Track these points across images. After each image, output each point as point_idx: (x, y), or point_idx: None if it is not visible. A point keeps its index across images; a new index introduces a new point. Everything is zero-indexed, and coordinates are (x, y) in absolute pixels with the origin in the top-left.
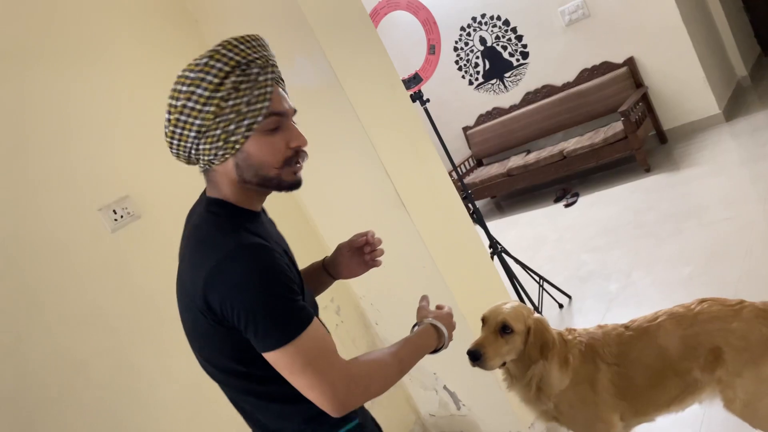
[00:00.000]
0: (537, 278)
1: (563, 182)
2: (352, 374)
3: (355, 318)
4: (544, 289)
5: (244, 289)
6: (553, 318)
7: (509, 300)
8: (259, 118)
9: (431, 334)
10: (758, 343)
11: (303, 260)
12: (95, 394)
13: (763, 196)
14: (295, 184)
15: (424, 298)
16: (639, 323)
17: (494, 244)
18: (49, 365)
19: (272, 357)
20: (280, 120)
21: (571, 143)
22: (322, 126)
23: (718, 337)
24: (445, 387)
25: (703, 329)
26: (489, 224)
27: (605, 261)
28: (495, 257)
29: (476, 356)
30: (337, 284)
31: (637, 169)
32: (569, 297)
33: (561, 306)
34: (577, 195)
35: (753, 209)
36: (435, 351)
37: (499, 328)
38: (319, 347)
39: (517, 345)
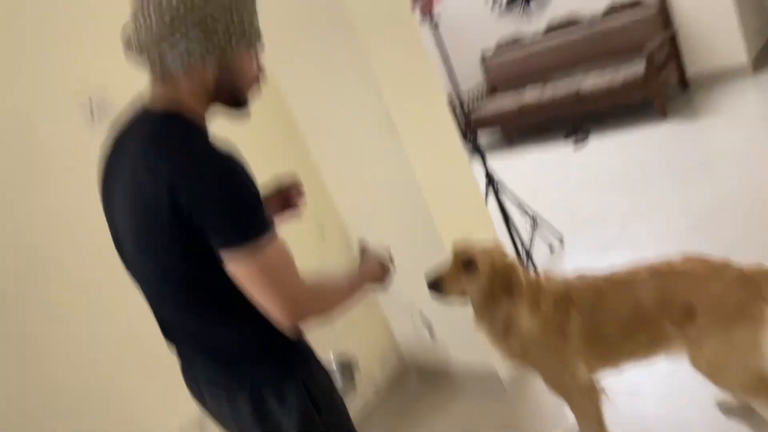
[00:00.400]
0: (531, 216)
1: (576, 121)
2: (311, 290)
3: (337, 239)
4: (536, 228)
5: (215, 184)
6: (542, 259)
7: (492, 238)
8: (260, 37)
9: (377, 269)
10: (733, 307)
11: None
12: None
13: None
14: (248, 104)
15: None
16: (618, 275)
17: (490, 178)
18: (15, 258)
19: (235, 258)
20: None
21: (589, 81)
22: (314, 39)
23: (694, 295)
24: (421, 313)
25: (680, 285)
26: (496, 156)
27: (605, 206)
28: (490, 192)
29: (433, 285)
30: (324, 206)
31: (653, 115)
32: (561, 239)
33: (551, 247)
34: (587, 135)
35: (764, 169)
36: (375, 287)
37: (464, 262)
38: (282, 257)
39: (481, 283)
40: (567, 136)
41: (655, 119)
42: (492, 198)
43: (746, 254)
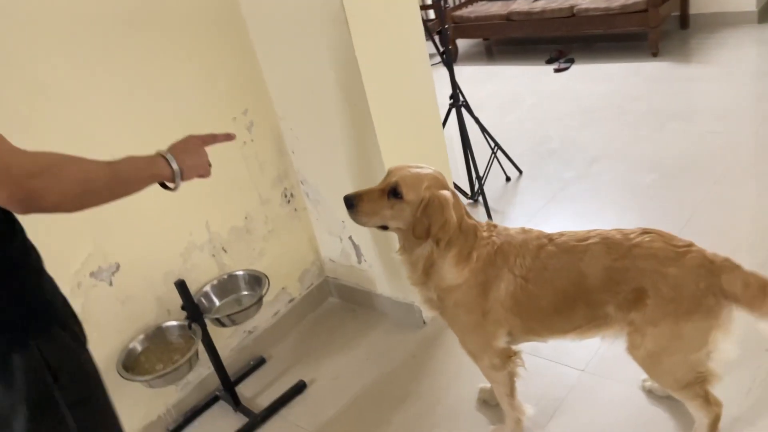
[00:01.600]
0: (492, 144)
1: (562, 43)
2: (38, 158)
3: (269, 140)
4: (496, 157)
5: None
6: (496, 190)
7: (430, 166)
8: None
9: (159, 163)
10: (689, 298)
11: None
12: None
13: (763, 117)
14: None
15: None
16: (566, 239)
17: (456, 95)
18: None
19: None
20: None
21: (586, 0)
22: None
23: (648, 279)
24: (350, 238)
25: (634, 265)
26: (472, 69)
27: (572, 142)
28: (453, 110)
29: (349, 204)
30: (254, 97)
31: (644, 51)
32: (520, 172)
33: (508, 179)
34: (572, 61)
35: (746, 129)
36: (166, 186)
37: (389, 188)
38: None
39: (405, 214)
40: (549, 61)
41: (645, 56)
42: (453, 116)
43: (708, 217)
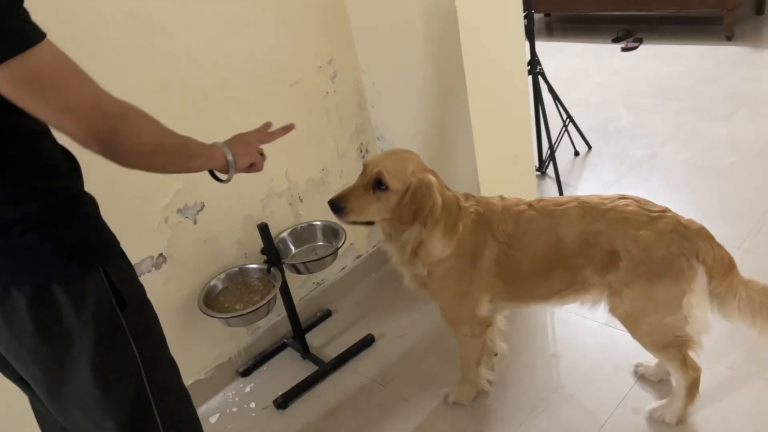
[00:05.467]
0: (564, 116)
1: (631, 22)
2: (125, 103)
3: (350, 93)
4: (566, 129)
5: None
6: (565, 164)
7: (411, 151)
8: None
9: (218, 153)
10: (660, 260)
11: None
12: None
13: None
14: None
15: (267, 125)
16: (544, 204)
17: (534, 63)
18: None
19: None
20: None
21: None
22: None
23: (620, 241)
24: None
25: (608, 228)
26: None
27: (642, 122)
28: (530, 77)
29: (336, 208)
30: (340, 47)
31: (717, 34)
32: (589, 147)
33: (577, 153)
34: (640, 41)
35: None
36: (218, 178)
37: (372, 181)
38: (68, 63)
39: (391, 204)
40: (616, 40)
41: (719, 39)
42: (530, 84)
43: None
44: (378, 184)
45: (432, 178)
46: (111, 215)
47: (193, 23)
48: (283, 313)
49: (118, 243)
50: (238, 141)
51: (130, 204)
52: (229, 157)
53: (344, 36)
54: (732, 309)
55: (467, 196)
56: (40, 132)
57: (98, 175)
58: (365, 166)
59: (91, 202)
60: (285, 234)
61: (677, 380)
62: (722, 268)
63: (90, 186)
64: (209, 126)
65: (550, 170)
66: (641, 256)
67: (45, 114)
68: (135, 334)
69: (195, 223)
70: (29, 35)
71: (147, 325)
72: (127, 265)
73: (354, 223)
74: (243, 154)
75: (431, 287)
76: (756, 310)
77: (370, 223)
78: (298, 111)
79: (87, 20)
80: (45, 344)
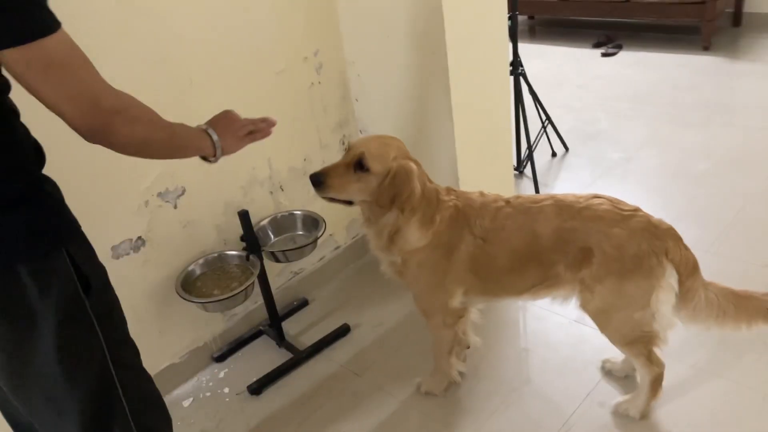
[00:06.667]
0: (543, 117)
1: (612, 28)
2: (122, 97)
3: (335, 84)
4: (545, 130)
5: None
6: (542, 164)
7: (395, 139)
8: None
9: (202, 136)
10: (631, 257)
11: None
12: None
13: None
14: None
15: (265, 120)
16: (522, 201)
17: (516, 64)
18: None
19: (16, 57)
20: None
21: None
22: None
23: (593, 238)
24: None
25: (582, 225)
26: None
27: (620, 126)
28: (512, 78)
29: (316, 182)
30: (326, 39)
31: (695, 44)
32: (567, 149)
33: (554, 154)
34: (620, 47)
35: None
36: (207, 159)
37: (354, 161)
38: (78, 53)
39: (371, 186)
40: (596, 45)
41: (696, 49)
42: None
43: (760, 212)
44: (360, 165)
45: (413, 166)
46: (91, 197)
47: (179, 4)
48: (260, 300)
49: (80, 226)
50: (228, 129)
51: (111, 186)
52: (217, 147)
53: (332, 28)
54: (688, 310)
55: (448, 190)
56: (15, 112)
57: (79, 155)
58: (350, 147)
59: (54, 185)
60: (265, 222)
61: (642, 375)
62: (687, 270)
63: (71, 166)
64: (194, 110)
65: (528, 170)
66: (614, 253)
67: (47, 97)
68: (99, 315)
69: (175, 207)
70: (50, 24)
71: (110, 306)
72: (89, 248)
73: (332, 200)
74: (230, 145)
75: (406, 276)
76: (712, 312)
77: (349, 202)
78: (283, 100)
79: None
80: (6, 325)
